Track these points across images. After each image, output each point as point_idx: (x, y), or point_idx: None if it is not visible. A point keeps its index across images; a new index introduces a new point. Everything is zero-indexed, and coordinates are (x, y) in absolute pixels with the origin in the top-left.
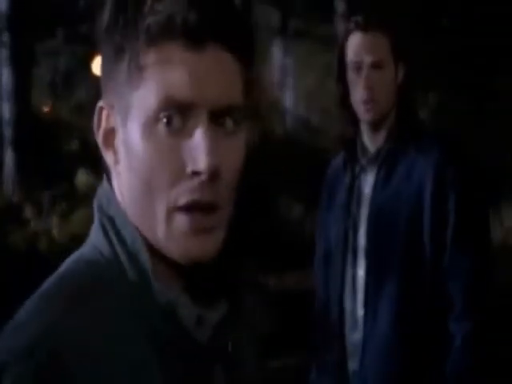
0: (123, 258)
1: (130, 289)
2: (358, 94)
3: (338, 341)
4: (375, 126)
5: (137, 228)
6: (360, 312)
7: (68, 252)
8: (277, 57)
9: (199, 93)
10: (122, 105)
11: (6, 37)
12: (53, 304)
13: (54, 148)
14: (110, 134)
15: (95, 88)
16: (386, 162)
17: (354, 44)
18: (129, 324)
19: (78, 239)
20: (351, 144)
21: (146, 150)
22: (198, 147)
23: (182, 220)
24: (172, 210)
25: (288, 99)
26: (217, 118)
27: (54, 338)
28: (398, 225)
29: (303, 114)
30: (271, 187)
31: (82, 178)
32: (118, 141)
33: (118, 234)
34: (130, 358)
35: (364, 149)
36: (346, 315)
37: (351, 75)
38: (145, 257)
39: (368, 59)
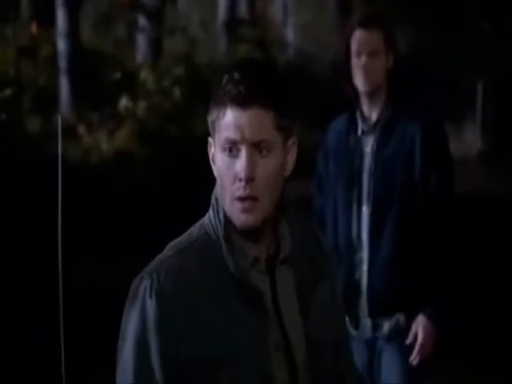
0: (216, 224)
1: (216, 250)
2: (358, 73)
3: (347, 257)
4: (371, 98)
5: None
6: (365, 237)
7: (112, 162)
8: None
9: (241, 135)
10: (214, 141)
11: None
12: (171, 250)
13: (100, 77)
14: (212, 156)
15: (130, 26)
16: (385, 127)
17: (357, 37)
18: (210, 280)
19: (121, 152)
20: (352, 114)
21: (220, 165)
22: (241, 165)
23: (236, 205)
24: (232, 199)
25: (289, 33)
26: (255, 147)
27: (165, 268)
28: (396, 171)
29: (301, 45)
30: None
31: (123, 102)
32: (214, 159)
33: (217, 204)
34: (204, 307)
35: (364, 117)
36: (353, 239)
37: (354, 59)
38: (222, 223)
39: (366, 49)
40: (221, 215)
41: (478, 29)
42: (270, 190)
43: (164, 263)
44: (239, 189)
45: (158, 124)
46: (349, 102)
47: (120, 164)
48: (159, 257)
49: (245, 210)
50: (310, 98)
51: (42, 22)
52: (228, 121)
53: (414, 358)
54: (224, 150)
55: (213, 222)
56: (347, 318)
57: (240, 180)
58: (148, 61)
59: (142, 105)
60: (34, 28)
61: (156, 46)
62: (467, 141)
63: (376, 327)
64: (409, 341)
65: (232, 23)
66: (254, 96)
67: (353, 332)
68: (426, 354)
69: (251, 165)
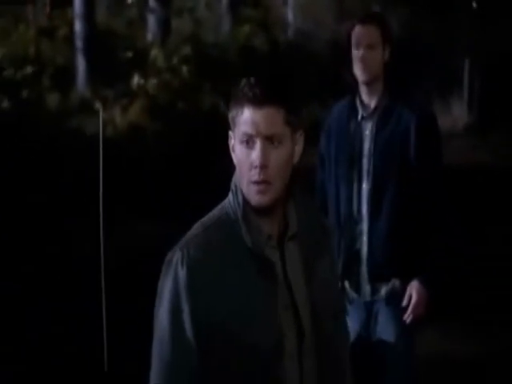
0: (235, 206)
1: (236, 228)
2: (357, 63)
3: (348, 230)
4: (369, 87)
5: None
6: (365, 211)
7: (126, 135)
8: None
9: (256, 129)
10: (234, 134)
11: None
12: (198, 228)
13: (113, 56)
14: (232, 147)
15: (141, 8)
16: (383, 114)
17: (356, 32)
18: (231, 253)
19: (133, 126)
20: (352, 101)
21: (239, 154)
22: (256, 154)
23: (252, 187)
24: (249, 183)
25: (289, 14)
26: (268, 140)
27: (193, 243)
28: (392, 152)
29: (300, 25)
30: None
31: (135, 79)
32: (234, 149)
33: (236, 189)
34: (227, 276)
35: (363, 104)
36: (354, 213)
37: (354, 52)
38: (241, 205)
39: (364, 42)
40: (239, 198)
41: (467, 8)
42: (281, 175)
43: (193, 239)
44: (255, 174)
45: (167, 100)
46: (349, 88)
47: (133, 137)
48: (188, 233)
49: (259, 192)
50: (308, 73)
51: (59, 4)
52: (245, 118)
53: (408, 317)
54: (242, 142)
55: (232, 204)
56: (349, 284)
57: (255, 167)
58: (158, 40)
59: (152, 82)
60: (47, 10)
61: (165, 26)
62: (455, 115)
63: (374, 291)
64: (404, 303)
65: (236, 4)
66: (267, 97)
67: (354, 296)
68: (418, 313)
69: (265, 154)
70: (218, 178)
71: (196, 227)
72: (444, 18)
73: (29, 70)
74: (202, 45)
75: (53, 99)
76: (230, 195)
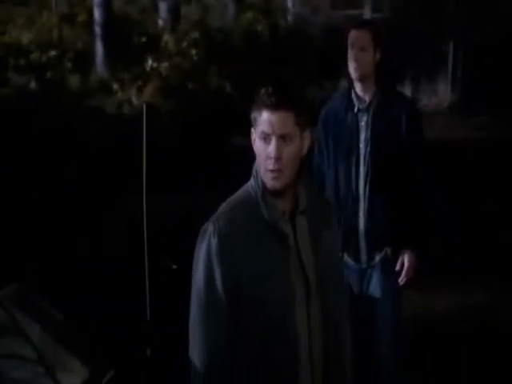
0: (256, 188)
1: (258, 210)
2: (350, 62)
3: (348, 207)
4: (362, 82)
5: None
6: (361, 190)
7: (141, 113)
8: None
9: (272, 129)
10: (255, 131)
11: None
12: (227, 206)
13: (129, 41)
14: (254, 140)
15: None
16: (377, 107)
17: (352, 35)
18: (253, 228)
19: (148, 105)
20: (349, 96)
21: (258, 147)
22: (271, 149)
23: (268, 174)
24: (265, 170)
25: (289, 1)
26: (281, 137)
27: (223, 218)
28: (387, 139)
29: (299, 11)
30: (276, 66)
31: (149, 62)
32: (255, 141)
33: (256, 174)
34: (249, 243)
35: (359, 99)
36: (353, 192)
37: (349, 52)
38: (260, 187)
39: (358, 44)
40: (259, 182)
41: None
42: (291, 165)
43: (223, 214)
44: (270, 164)
45: (178, 81)
46: (342, 70)
47: (147, 115)
48: (219, 210)
49: (273, 178)
50: (306, 55)
51: None
52: (263, 119)
53: (402, 280)
54: (261, 138)
55: (253, 186)
56: (347, 253)
57: (271, 158)
58: (168, 26)
59: (164, 64)
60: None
61: (175, 13)
62: (440, 95)
63: (370, 259)
64: (398, 268)
65: None
66: (281, 104)
67: (352, 263)
68: (409, 276)
69: (278, 149)
70: (224, 151)
71: (225, 205)
72: (430, 4)
73: (52, 53)
74: (208, 30)
75: (74, 80)
76: (252, 179)
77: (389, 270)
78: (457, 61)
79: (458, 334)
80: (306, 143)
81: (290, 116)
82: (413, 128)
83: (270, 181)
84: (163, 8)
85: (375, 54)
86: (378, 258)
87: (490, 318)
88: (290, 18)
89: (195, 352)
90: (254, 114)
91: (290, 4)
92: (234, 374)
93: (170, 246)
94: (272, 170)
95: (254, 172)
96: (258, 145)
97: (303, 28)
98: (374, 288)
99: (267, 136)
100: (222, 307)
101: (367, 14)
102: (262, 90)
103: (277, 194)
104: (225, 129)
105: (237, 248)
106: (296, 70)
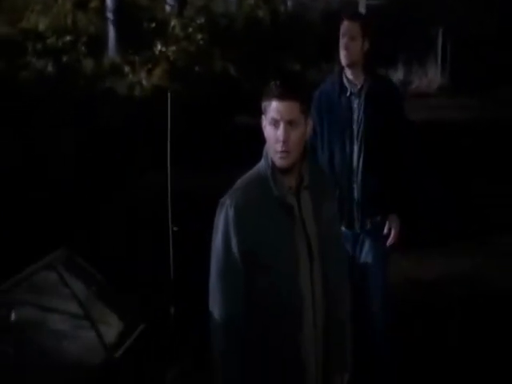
0: (266, 167)
1: (268, 185)
2: (341, 50)
3: (343, 180)
4: (351, 69)
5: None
6: (355, 164)
7: (151, 93)
8: None
9: (280, 116)
10: (265, 117)
11: None
12: (241, 182)
13: (139, 26)
14: (264, 126)
15: None
16: (368, 91)
17: (343, 26)
18: (265, 201)
19: (157, 87)
20: (341, 81)
21: (268, 131)
22: (280, 133)
23: (277, 155)
24: (275, 152)
25: None
26: (288, 123)
27: (238, 192)
28: (376, 119)
29: None
30: (277, 50)
31: (157, 47)
32: (265, 126)
33: (267, 154)
34: (261, 214)
35: (350, 82)
36: (347, 167)
37: (340, 40)
38: (270, 166)
39: (349, 34)
40: (269, 161)
41: None
42: (297, 146)
43: (238, 190)
44: (278, 146)
45: (185, 64)
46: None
47: (156, 96)
48: (235, 185)
49: (282, 158)
50: (305, 40)
51: None
52: (273, 107)
53: (390, 242)
54: (270, 123)
55: (264, 165)
56: (343, 220)
57: (279, 141)
58: (175, 12)
59: (172, 48)
60: None
61: (182, 0)
62: (430, 77)
63: (362, 225)
64: (385, 231)
65: None
66: (288, 94)
67: (346, 229)
68: (395, 239)
69: (286, 133)
70: (228, 130)
71: (240, 182)
72: None
73: (67, 38)
74: (213, 15)
75: (88, 64)
76: (263, 159)
77: (379, 234)
78: (445, 46)
79: (445, 298)
80: (309, 128)
81: (296, 105)
82: (400, 103)
83: (278, 160)
84: None
85: (363, 44)
86: (369, 224)
87: (475, 284)
88: (289, 3)
89: (215, 309)
90: (264, 103)
91: None
92: (247, 329)
93: (174, 216)
94: (281, 151)
95: (264, 153)
96: (268, 130)
97: (302, 14)
98: (367, 252)
99: (276, 122)
100: (238, 270)
101: (363, 0)
102: (272, 83)
103: (284, 171)
104: (228, 109)
105: (250, 219)
106: (295, 54)
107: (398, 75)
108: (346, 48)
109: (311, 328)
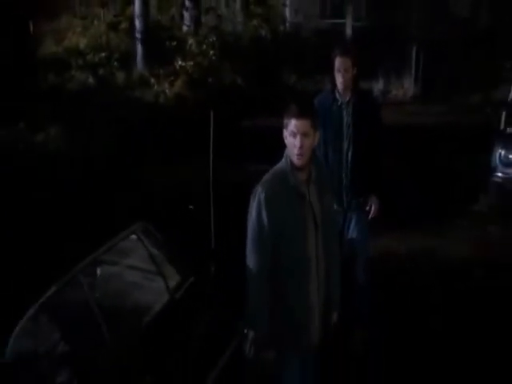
0: (286, 165)
1: (288, 178)
2: (338, 79)
3: (336, 171)
4: (344, 89)
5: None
6: (344, 158)
7: (172, 102)
8: None
9: (297, 130)
10: (286, 130)
11: None
12: (268, 175)
13: (162, 44)
14: (285, 136)
15: (179, 8)
16: (354, 103)
17: (337, 61)
18: (285, 189)
19: (179, 96)
20: (333, 94)
21: (289, 140)
22: (297, 141)
23: (295, 156)
24: (294, 154)
25: (286, 11)
26: (303, 135)
27: (268, 183)
28: (361, 123)
29: (294, 20)
30: (277, 63)
31: (178, 62)
32: (286, 136)
33: (287, 156)
34: (283, 198)
35: (341, 95)
36: (338, 160)
37: (336, 72)
38: (289, 165)
39: (343, 67)
40: (288, 161)
41: (414, 8)
42: (308, 151)
43: (267, 181)
44: (296, 150)
45: (200, 76)
46: (328, 64)
47: (177, 103)
48: (264, 178)
49: (298, 159)
50: (301, 55)
51: (124, 4)
52: (292, 124)
53: (371, 216)
54: (290, 135)
55: (284, 164)
56: (336, 202)
57: (296, 147)
58: (191, 31)
59: (190, 63)
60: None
61: (196, 21)
62: (405, 88)
63: (349, 204)
64: (367, 209)
65: (247, 4)
66: (303, 114)
67: (338, 208)
68: (375, 214)
69: (301, 142)
70: (235, 131)
71: (267, 175)
72: (396, 14)
73: (102, 54)
74: (223, 34)
75: (120, 76)
76: (284, 159)
77: (362, 211)
78: (418, 61)
79: (415, 265)
80: (316, 138)
81: (308, 122)
82: (378, 112)
83: (296, 160)
84: (187, 17)
85: (353, 72)
86: (354, 203)
87: (439, 254)
88: (287, 24)
89: (250, 264)
90: (285, 121)
91: (287, 14)
92: (272, 278)
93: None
94: (297, 154)
95: (284, 155)
96: (288, 139)
97: (298, 33)
98: (353, 225)
99: (294, 134)
100: (266, 238)
101: (349, 22)
102: (291, 105)
103: (299, 169)
104: (236, 113)
105: (275, 202)
106: (293, 67)
107: (378, 86)
108: (343, 78)
109: (315, 278)
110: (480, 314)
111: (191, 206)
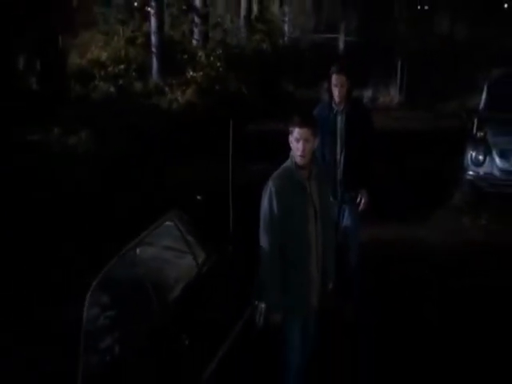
0: (291, 164)
1: (293, 174)
2: (335, 93)
3: (332, 169)
4: (340, 101)
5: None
6: (338, 158)
7: (185, 107)
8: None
9: (300, 136)
10: (291, 136)
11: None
12: (278, 172)
13: (175, 57)
14: (291, 141)
15: (189, 24)
16: (348, 111)
17: (334, 78)
18: (291, 183)
19: (189, 102)
20: (330, 104)
21: (293, 144)
22: (300, 145)
23: (298, 157)
24: (297, 156)
25: (285, 26)
26: (305, 140)
27: (277, 177)
28: (354, 130)
29: (293, 34)
30: (277, 73)
31: (190, 72)
32: (291, 141)
33: (292, 156)
34: (289, 191)
35: (336, 105)
36: (333, 160)
37: (333, 87)
38: (294, 164)
39: (339, 83)
40: (293, 161)
41: (400, 20)
42: (309, 153)
43: (276, 178)
44: (299, 152)
45: (208, 85)
46: (322, 74)
47: (188, 109)
48: (273, 175)
49: (301, 159)
50: (299, 66)
51: (141, 20)
52: (296, 131)
53: (361, 208)
54: (295, 140)
55: (290, 162)
56: (332, 195)
57: (299, 150)
58: (200, 45)
59: (199, 74)
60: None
61: (205, 36)
62: (391, 95)
63: (343, 197)
64: (358, 201)
65: (250, 20)
66: (305, 124)
67: (333, 200)
68: (366, 207)
69: (303, 146)
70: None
71: (276, 172)
72: (384, 30)
73: (122, 66)
74: (228, 47)
75: (138, 86)
76: (289, 159)
77: (354, 204)
78: (403, 72)
79: (399, 251)
80: (316, 142)
81: (310, 130)
82: (369, 119)
83: (299, 161)
84: (197, 32)
85: (348, 86)
86: (347, 196)
87: (420, 243)
88: (286, 39)
89: (262, 245)
90: (290, 128)
91: (286, 29)
92: (281, 256)
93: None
94: (300, 156)
95: (290, 156)
96: (293, 143)
97: (296, 46)
98: (346, 216)
99: (298, 139)
100: (275, 224)
101: (341, 37)
102: (295, 116)
103: (301, 167)
104: (241, 120)
105: (283, 194)
106: (292, 77)
107: (368, 93)
108: (339, 92)
109: (314, 254)
110: (448, 284)
111: (199, 197)
